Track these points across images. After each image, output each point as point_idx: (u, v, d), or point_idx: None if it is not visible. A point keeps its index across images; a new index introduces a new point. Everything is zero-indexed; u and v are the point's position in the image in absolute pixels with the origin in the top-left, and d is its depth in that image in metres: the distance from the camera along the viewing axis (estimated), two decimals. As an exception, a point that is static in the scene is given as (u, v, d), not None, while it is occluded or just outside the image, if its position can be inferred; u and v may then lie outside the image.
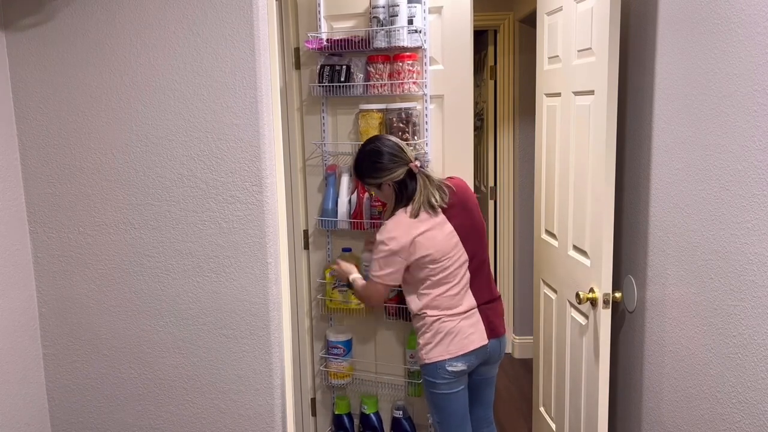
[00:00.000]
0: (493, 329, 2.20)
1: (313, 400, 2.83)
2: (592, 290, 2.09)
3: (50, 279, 1.90)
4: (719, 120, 1.56)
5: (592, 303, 2.10)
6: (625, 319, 2.16)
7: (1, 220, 1.78)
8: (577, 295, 2.11)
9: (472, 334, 2.15)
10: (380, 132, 2.44)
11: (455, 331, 2.14)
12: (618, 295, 2.09)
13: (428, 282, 2.13)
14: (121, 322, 1.90)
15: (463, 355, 2.12)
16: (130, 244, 1.86)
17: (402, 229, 2.07)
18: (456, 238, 2.12)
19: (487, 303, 2.20)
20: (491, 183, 4.22)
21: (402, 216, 2.09)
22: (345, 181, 2.56)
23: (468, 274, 2.16)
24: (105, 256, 1.87)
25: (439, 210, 2.11)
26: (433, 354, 2.13)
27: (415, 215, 2.08)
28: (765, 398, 1.43)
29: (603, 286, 2.01)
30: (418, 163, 2.12)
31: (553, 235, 2.55)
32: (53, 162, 1.84)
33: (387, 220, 2.14)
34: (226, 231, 1.81)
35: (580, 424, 2.29)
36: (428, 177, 2.15)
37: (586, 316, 2.19)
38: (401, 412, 2.66)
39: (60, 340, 1.93)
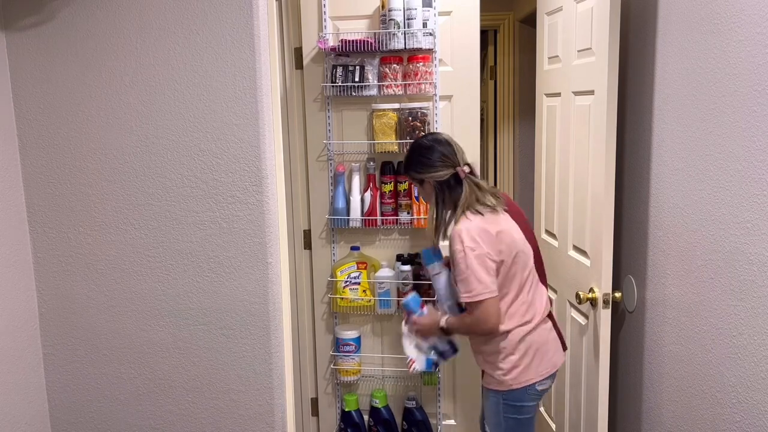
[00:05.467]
0: (563, 340, 2.07)
1: (314, 400, 2.83)
2: (592, 290, 2.08)
3: (50, 279, 1.90)
4: (719, 120, 1.56)
5: (592, 303, 2.10)
6: (625, 319, 2.16)
7: (1, 220, 1.78)
8: (577, 295, 2.11)
9: (556, 349, 2.01)
10: (396, 131, 2.47)
11: (545, 346, 1.96)
12: (618, 295, 2.09)
13: (511, 287, 1.92)
14: (121, 322, 1.90)
15: (552, 374, 1.99)
16: (130, 244, 1.86)
17: (480, 227, 1.87)
18: (521, 232, 1.96)
19: (551, 308, 2.03)
20: (491, 183, 4.22)
21: (471, 217, 1.90)
22: (356, 179, 2.57)
23: (535, 273, 2.00)
24: (105, 256, 1.87)
25: (499, 209, 1.96)
26: (524, 377, 1.93)
27: (476, 212, 1.91)
28: (765, 398, 1.43)
29: (603, 286, 2.01)
30: (466, 169, 1.97)
31: (553, 235, 2.55)
32: (53, 162, 1.84)
33: (436, 230, 1.99)
34: (226, 231, 1.81)
35: (580, 424, 2.29)
36: (477, 184, 1.98)
37: (586, 316, 2.19)
38: (414, 402, 2.68)
39: (60, 340, 1.94)
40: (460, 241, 1.86)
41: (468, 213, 1.92)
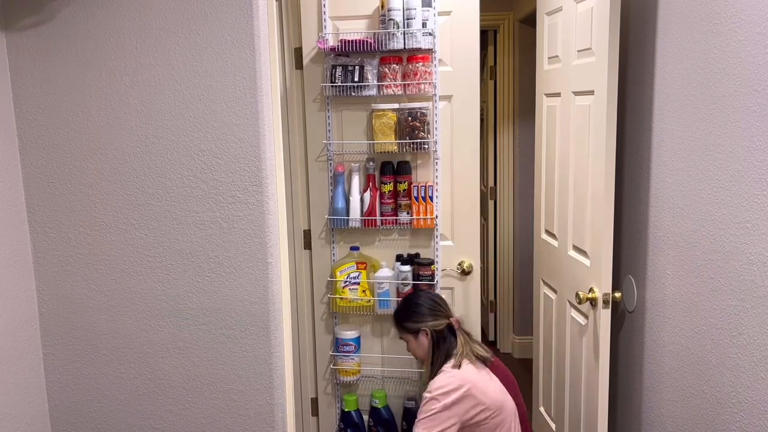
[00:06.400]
0: None
1: (314, 400, 2.83)
2: (591, 290, 2.09)
3: (50, 279, 1.90)
4: (719, 120, 1.56)
5: (591, 303, 2.10)
6: (625, 319, 2.16)
7: (1, 220, 1.78)
8: (577, 295, 2.11)
9: None
10: (396, 131, 2.47)
11: None
12: (618, 295, 2.09)
13: None
14: (121, 322, 1.90)
15: None
16: (130, 244, 1.86)
17: (455, 382, 1.95)
18: (504, 390, 2.06)
19: None
20: (491, 183, 4.22)
21: (450, 370, 2.01)
22: (356, 179, 2.57)
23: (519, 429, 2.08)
24: (105, 256, 1.87)
25: (487, 365, 2.08)
26: None
27: (458, 366, 2.01)
28: (765, 398, 1.43)
29: (603, 286, 2.01)
30: (459, 320, 2.12)
31: (553, 235, 2.55)
32: (53, 162, 1.84)
33: (431, 378, 2.05)
34: (226, 231, 1.81)
35: (580, 424, 2.29)
36: (468, 334, 2.13)
37: (586, 316, 2.19)
38: (413, 402, 2.68)
39: (60, 340, 1.93)
40: (430, 389, 1.96)
41: (449, 366, 2.02)
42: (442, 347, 2.08)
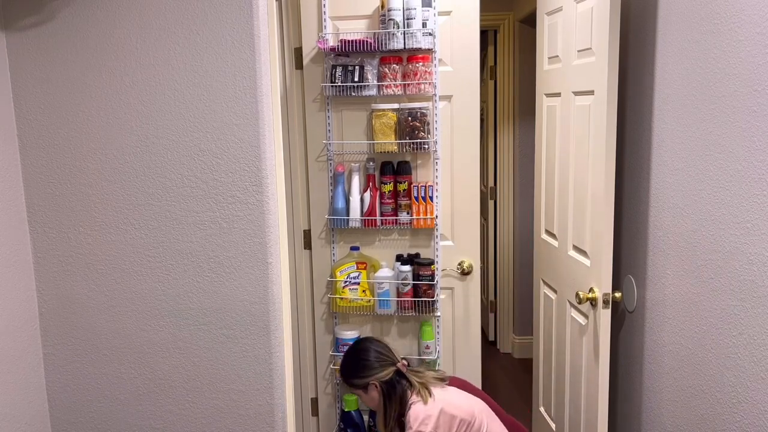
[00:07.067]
0: None
1: (314, 400, 2.83)
2: (591, 290, 2.09)
3: (50, 279, 1.90)
4: (719, 120, 1.56)
5: (591, 303, 2.10)
6: (625, 319, 2.17)
7: (1, 220, 1.78)
8: (577, 295, 2.11)
9: None
10: (396, 131, 2.47)
11: None
12: (618, 294, 2.09)
13: None
14: (121, 322, 1.90)
15: None
16: (130, 244, 1.86)
17: (427, 410, 1.96)
18: (467, 394, 2.07)
19: None
20: (491, 183, 4.22)
21: (419, 403, 2.00)
22: (356, 179, 2.57)
23: (498, 422, 2.08)
24: (105, 256, 1.87)
25: (445, 381, 2.09)
26: None
27: (429, 397, 2.00)
28: (765, 398, 1.43)
29: (603, 286, 2.01)
30: (405, 362, 2.07)
31: (553, 235, 2.55)
32: (53, 162, 1.84)
33: (385, 427, 2.04)
34: (226, 231, 1.81)
35: (580, 424, 2.29)
36: (418, 372, 2.10)
37: (586, 316, 2.19)
38: None
39: (60, 340, 1.94)
40: (411, 425, 1.95)
41: (417, 400, 2.00)
42: (394, 397, 2.03)
